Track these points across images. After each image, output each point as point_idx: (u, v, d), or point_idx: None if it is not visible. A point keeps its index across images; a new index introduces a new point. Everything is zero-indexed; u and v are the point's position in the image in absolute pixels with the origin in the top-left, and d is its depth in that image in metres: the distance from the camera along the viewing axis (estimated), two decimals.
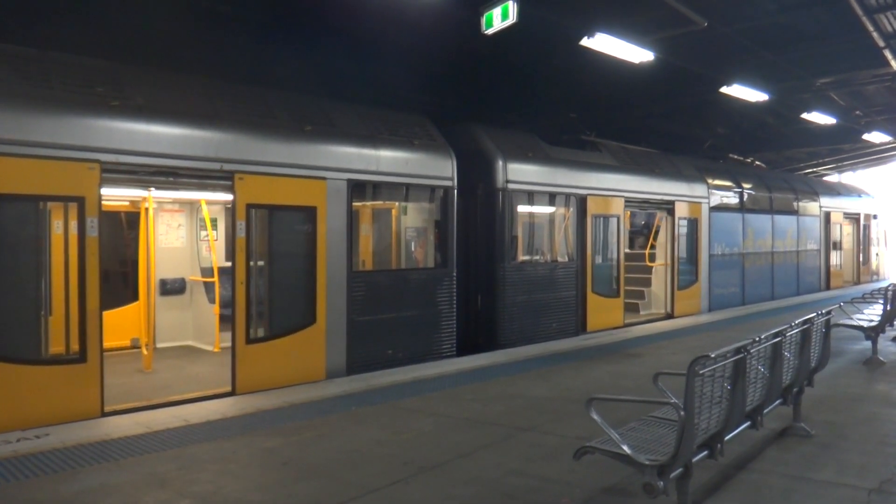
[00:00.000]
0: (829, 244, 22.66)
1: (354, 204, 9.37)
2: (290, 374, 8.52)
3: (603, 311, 13.33)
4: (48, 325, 7.03)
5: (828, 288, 22.46)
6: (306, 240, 8.84)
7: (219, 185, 8.18)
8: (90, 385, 6.93)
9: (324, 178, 8.89)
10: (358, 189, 9.41)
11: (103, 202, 7.08)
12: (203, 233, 11.29)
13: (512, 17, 8.65)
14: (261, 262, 8.40)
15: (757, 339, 5.01)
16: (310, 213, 8.80)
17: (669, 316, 15.45)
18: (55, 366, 6.85)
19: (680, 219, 15.64)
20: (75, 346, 6.93)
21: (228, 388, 8.09)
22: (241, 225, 8.10)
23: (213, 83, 8.76)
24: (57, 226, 7.30)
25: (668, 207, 15.41)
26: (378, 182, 9.69)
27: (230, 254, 11.82)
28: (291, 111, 9.04)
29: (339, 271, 9.07)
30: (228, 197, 10.11)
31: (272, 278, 8.60)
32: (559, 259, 12.87)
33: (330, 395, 7.89)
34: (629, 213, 15.58)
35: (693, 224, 16.15)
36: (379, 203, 11.08)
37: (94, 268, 6.97)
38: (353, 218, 9.27)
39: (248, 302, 8.14)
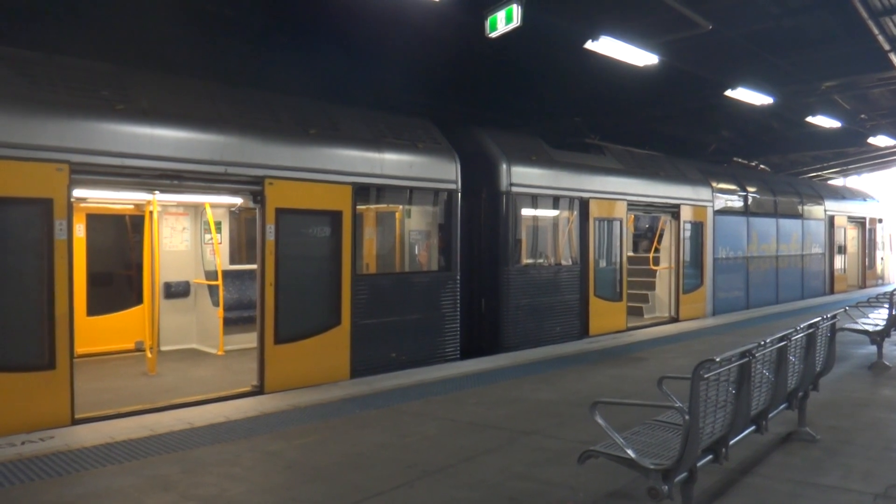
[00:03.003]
0: (834, 248, 22.60)
1: (358, 207, 9.39)
2: (316, 373, 8.63)
3: (605, 315, 13.29)
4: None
5: (832, 292, 22.40)
6: (332, 243, 8.93)
7: (245, 190, 8.37)
8: (59, 392, 6.65)
9: (350, 184, 9.00)
10: (362, 192, 9.43)
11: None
12: (207, 236, 11.31)
13: (516, 21, 8.60)
14: (289, 265, 8.48)
15: (762, 343, 4.99)
16: (335, 217, 8.91)
17: (674, 319, 15.41)
18: (20, 372, 6.50)
19: (685, 222, 15.61)
20: (44, 352, 6.60)
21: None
22: (270, 228, 8.21)
23: (217, 86, 8.78)
24: (27, 228, 6.67)
25: (674, 211, 15.38)
26: (382, 185, 9.70)
27: (235, 257, 12.05)
28: (295, 115, 9.05)
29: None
30: (237, 201, 10.19)
31: (300, 280, 8.67)
32: (562, 262, 12.86)
33: (333, 398, 7.89)
34: (633, 216, 15.57)
35: (698, 228, 16.13)
36: (383, 206, 11.08)
37: (62, 271, 6.65)
38: (357, 221, 9.28)
39: (276, 303, 8.24)
